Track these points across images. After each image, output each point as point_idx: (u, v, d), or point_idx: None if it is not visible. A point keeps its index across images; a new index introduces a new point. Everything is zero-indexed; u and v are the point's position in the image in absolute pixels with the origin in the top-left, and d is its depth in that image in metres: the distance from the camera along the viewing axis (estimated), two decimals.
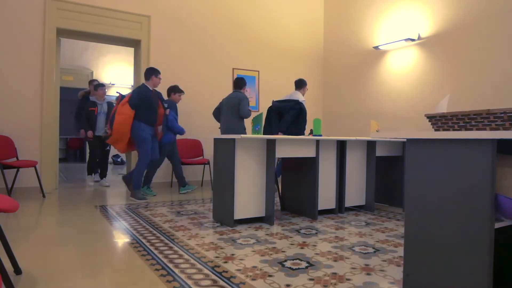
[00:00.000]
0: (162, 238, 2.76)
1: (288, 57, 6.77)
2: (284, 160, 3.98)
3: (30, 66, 4.67)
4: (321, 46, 7.19)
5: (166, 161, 5.59)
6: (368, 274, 2.07)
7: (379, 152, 4.00)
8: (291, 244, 2.66)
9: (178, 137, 5.62)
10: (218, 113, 4.87)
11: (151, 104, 4.42)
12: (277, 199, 4.36)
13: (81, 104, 5.89)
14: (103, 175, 5.84)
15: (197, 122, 5.75)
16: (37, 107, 4.71)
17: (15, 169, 4.42)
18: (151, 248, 2.50)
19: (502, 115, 1.50)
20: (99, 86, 5.77)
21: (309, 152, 3.52)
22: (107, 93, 6.37)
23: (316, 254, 2.42)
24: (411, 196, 1.73)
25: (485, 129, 1.57)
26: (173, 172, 5.27)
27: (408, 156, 1.75)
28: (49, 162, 4.83)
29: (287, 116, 4.38)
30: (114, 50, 9.60)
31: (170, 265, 2.16)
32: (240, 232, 2.99)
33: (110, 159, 10.03)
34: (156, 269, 2.09)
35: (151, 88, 4.49)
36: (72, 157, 11.68)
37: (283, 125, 4.41)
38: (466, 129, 1.65)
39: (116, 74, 9.95)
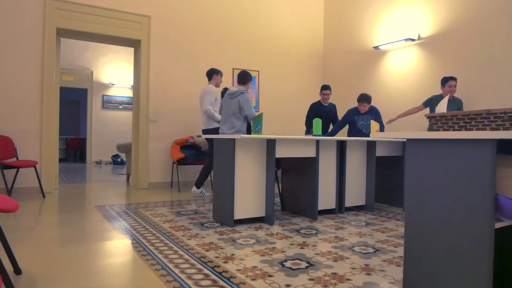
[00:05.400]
0: (162, 238, 2.76)
1: (288, 57, 6.77)
2: (284, 160, 3.98)
3: (30, 66, 4.67)
4: (321, 46, 7.18)
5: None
6: (368, 274, 2.07)
7: (379, 152, 4.01)
8: (291, 244, 2.66)
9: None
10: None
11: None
12: (277, 199, 4.36)
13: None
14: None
15: (197, 122, 5.75)
16: (37, 107, 4.71)
17: (15, 169, 4.42)
18: (151, 248, 2.50)
19: (502, 115, 1.50)
20: None
21: (309, 152, 3.52)
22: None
23: (316, 254, 2.42)
24: (411, 196, 1.73)
25: (485, 129, 1.57)
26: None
27: (408, 156, 1.75)
28: (49, 162, 4.83)
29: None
30: (114, 50, 9.61)
31: (170, 265, 2.16)
32: (240, 232, 2.99)
33: (110, 159, 10.03)
34: (156, 269, 2.09)
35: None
36: (72, 157, 11.69)
37: None
38: (466, 129, 1.65)
39: (116, 74, 9.96)
